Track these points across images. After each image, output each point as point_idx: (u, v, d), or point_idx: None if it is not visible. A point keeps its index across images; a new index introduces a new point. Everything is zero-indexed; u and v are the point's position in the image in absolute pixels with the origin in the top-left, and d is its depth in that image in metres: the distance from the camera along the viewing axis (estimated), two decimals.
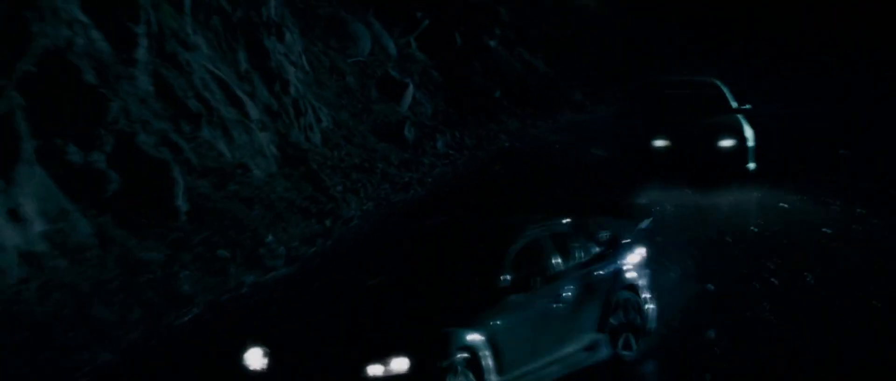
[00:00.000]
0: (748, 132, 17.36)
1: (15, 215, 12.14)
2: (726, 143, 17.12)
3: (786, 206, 16.63)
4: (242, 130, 17.05)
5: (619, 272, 10.35)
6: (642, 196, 16.59)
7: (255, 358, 8.42)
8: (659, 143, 17.22)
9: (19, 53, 13.29)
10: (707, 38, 34.23)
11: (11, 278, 11.60)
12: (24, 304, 11.40)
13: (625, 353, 10.01)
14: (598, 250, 10.38)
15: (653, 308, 10.63)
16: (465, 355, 8.31)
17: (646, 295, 10.58)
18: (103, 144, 14.02)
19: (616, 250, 10.57)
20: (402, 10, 26.10)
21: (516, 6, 30.39)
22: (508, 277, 9.07)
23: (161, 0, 16.70)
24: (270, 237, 15.02)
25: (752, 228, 15.45)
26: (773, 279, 12.86)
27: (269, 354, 8.41)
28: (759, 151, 17.78)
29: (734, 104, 18.33)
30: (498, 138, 23.97)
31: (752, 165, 17.24)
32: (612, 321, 9.94)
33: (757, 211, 16.54)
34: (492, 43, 28.09)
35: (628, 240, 10.96)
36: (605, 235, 10.72)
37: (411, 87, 23.57)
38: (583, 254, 10.13)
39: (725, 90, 18.73)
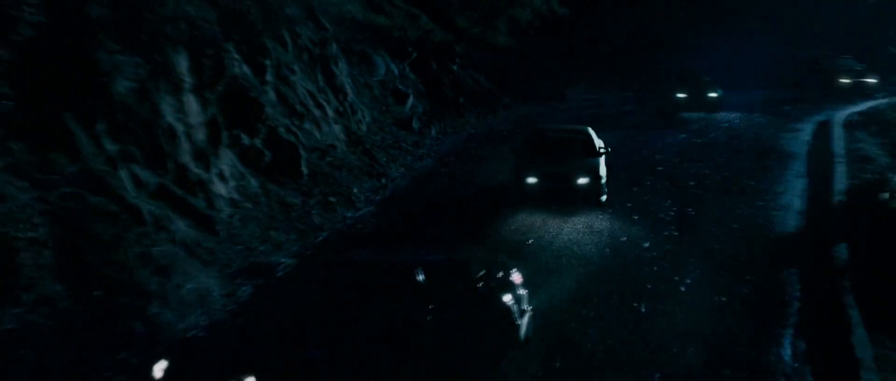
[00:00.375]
0: (603, 171, 14.94)
1: (221, 176, 12.88)
2: (583, 180, 14.71)
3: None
4: (325, 123, 17.42)
5: (489, 295, 8.18)
6: (518, 223, 14.02)
7: (159, 369, 6.91)
8: (531, 179, 14.82)
9: (217, 80, 13.88)
10: (579, 63, 35.18)
11: (226, 213, 12.36)
12: (235, 229, 12.18)
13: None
14: (475, 277, 8.23)
15: (526, 322, 8.63)
16: None
17: (523, 308, 8.62)
18: (260, 133, 14.61)
19: (489, 277, 8.42)
20: (400, 47, 26.18)
21: (467, 44, 30.34)
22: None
23: (277, 44, 17.23)
24: (355, 189, 15.57)
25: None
26: None
27: (168, 368, 6.94)
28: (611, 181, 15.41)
29: (599, 146, 15.73)
30: (465, 127, 24.23)
31: (603, 197, 14.94)
32: (482, 335, 7.86)
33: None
34: (454, 67, 28.05)
35: (503, 267, 8.93)
36: (480, 266, 8.54)
37: (411, 96, 23.70)
38: (456, 284, 7.98)
39: (593, 136, 16.04)
